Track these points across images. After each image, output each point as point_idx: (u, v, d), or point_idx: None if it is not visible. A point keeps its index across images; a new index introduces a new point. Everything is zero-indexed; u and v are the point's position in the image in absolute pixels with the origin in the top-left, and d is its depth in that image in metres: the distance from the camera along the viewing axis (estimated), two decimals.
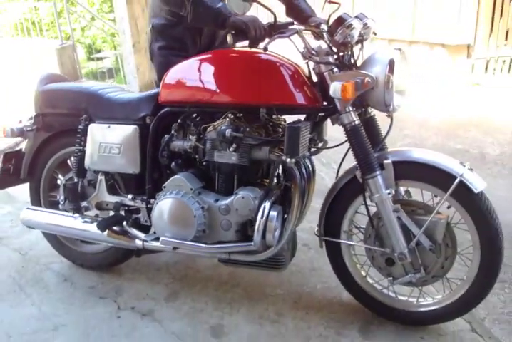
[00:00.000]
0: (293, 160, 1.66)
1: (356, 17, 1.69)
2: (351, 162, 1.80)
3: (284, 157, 1.67)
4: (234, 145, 1.72)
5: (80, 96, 2.11)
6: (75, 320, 2.01)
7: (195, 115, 1.88)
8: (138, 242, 1.97)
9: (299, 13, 2.06)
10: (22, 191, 2.77)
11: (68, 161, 2.26)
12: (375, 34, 1.80)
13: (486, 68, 4.64)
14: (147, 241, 1.94)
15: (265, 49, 1.62)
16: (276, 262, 1.85)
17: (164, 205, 1.81)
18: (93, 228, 2.04)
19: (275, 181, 1.82)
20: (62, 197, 2.24)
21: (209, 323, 1.95)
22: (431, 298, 1.87)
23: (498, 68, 4.71)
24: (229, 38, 1.64)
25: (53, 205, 2.33)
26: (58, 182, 2.29)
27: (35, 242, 2.58)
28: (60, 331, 1.96)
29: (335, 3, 1.84)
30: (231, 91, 1.76)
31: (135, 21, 4.75)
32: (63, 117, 2.17)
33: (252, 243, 1.74)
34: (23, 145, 2.40)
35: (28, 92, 2.46)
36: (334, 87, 1.59)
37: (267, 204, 1.72)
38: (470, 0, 4.25)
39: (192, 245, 1.82)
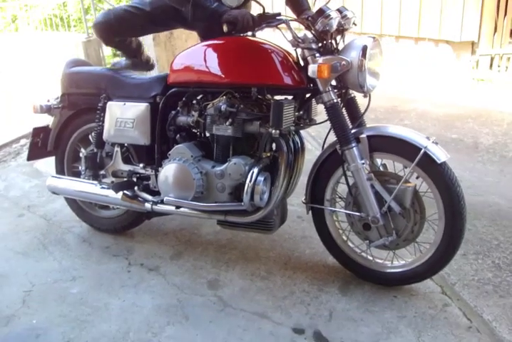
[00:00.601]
0: (277, 132, 1.91)
1: (337, 10, 1.91)
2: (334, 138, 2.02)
3: (270, 129, 1.92)
4: (229, 120, 1.97)
5: (100, 78, 2.39)
6: (91, 273, 2.29)
7: (197, 94, 2.13)
8: (148, 205, 2.23)
9: (297, 5, 2.26)
10: (48, 167, 3.09)
11: (90, 136, 2.52)
12: (355, 25, 2.03)
13: (491, 65, 4.79)
14: (155, 203, 2.20)
15: (253, 35, 1.93)
16: (266, 225, 2.10)
17: (168, 170, 2.08)
18: (109, 193, 2.33)
19: (266, 152, 2.05)
20: (83, 167, 2.51)
21: (207, 278, 2.21)
22: (403, 260, 2.06)
23: (503, 64, 4.85)
24: (225, 28, 1.90)
25: (76, 175, 2.61)
26: (80, 154, 2.55)
27: (58, 210, 2.87)
28: (77, 281, 2.25)
29: None
30: (227, 73, 2.00)
31: None
32: (86, 96, 2.44)
33: (242, 203, 1.98)
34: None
35: (56, 77, 2.76)
36: (312, 68, 1.84)
37: (255, 170, 1.96)
38: None
39: (191, 203, 2.08)
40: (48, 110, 2.54)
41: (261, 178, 1.97)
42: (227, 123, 1.99)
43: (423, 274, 2.03)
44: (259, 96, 2.00)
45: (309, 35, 1.91)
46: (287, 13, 2.17)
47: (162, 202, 2.18)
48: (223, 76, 2.00)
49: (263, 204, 2.00)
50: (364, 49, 1.86)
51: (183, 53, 2.13)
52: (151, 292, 2.13)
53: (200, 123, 2.11)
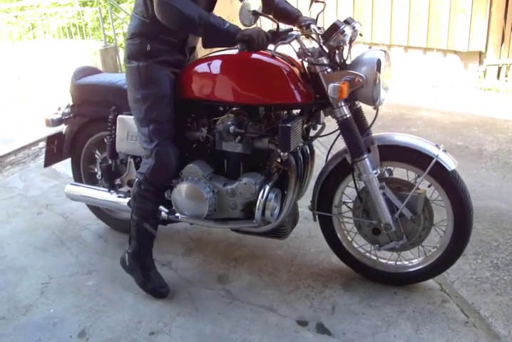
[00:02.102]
0: (286, 154, 1.96)
1: (345, 21, 1.90)
2: (340, 143, 2.04)
3: (278, 150, 1.96)
4: (238, 137, 1.99)
5: (108, 90, 2.37)
6: (106, 268, 2.41)
7: (206, 109, 2.10)
8: (164, 215, 2.25)
9: (288, 16, 2.21)
10: (66, 168, 3.22)
11: (105, 139, 2.49)
12: (361, 35, 2.04)
13: (498, 75, 4.88)
14: (170, 212, 2.25)
15: (273, 55, 1.87)
16: (278, 232, 2.15)
17: (181, 189, 2.10)
18: (125, 202, 2.37)
19: (276, 166, 2.09)
20: (99, 173, 2.55)
21: (216, 273, 2.32)
22: (407, 261, 2.15)
23: (510, 74, 4.94)
24: (239, 47, 1.80)
25: (92, 176, 2.68)
26: (96, 156, 2.61)
27: (76, 209, 2.99)
28: (93, 275, 2.37)
29: (321, 2, 2.06)
30: (233, 93, 1.97)
31: None
32: (96, 108, 2.44)
33: (254, 220, 2.03)
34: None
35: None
36: (332, 89, 1.79)
37: (266, 187, 1.99)
38: (482, 9, 4.51)
39: (204, 223, 2.17)
40: (59, 122, 2.56)
41: (272, 195, 2.00)
42: (236, 140, 2.00)
43: (426, 275, 2.12)
44: (266, 112, 2.03)
45: (317, 47, 1.90)
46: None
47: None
48: (229, 96, 1.99)
49: (274, 219, 2.04)
50: (379, 63, 1.84)
51: (189, 68, 2.09)
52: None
53: (209, 139, 2.11)
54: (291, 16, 2.19)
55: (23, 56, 7.10)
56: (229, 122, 2.00)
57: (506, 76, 4.92)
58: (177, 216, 2.22)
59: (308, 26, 2.10)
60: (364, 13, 5.13)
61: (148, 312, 2.08)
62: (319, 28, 2.07)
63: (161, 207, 2.27)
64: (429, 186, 2.01)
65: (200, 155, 2.17)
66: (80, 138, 2.61)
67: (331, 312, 2.03)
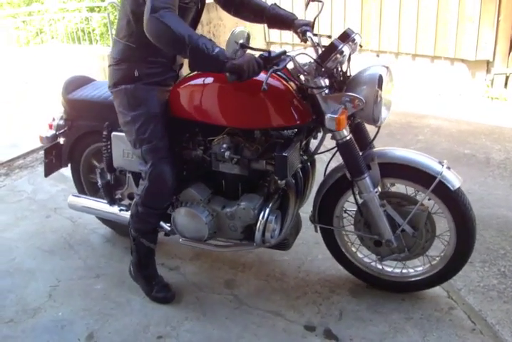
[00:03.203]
0: (283, 182, 1.93)
1: (344, 32, 1.80)
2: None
3: (276, 178, 1.91)
4: (235, 159, 1.94)
5: (100, 107, 2.29)
6: (114, 271, 2.42)
7: (200, 129, 2.05)
8: (167, 228, 2.26)
9: (282, 22, 2.10)
10: None
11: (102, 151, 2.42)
12: (361, 47, 1.91)
13: (506, 84, 4.88)
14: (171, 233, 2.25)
15: (264, 89, 1.63)
16: (281, 245, 2.13)
17: (180, 214, 2.09)
18: (127, 214, 2.35)
19: (275, 186, 2.02)
20: (100, 182, 2.48)
21: (224, 277, 2.33)
22: (412, 270, 2.14)
23: None
24: (228, 77, 1.71)
25: (93, 185, 2.65)
26: (95, 165, 2.58)
27: (83, 213, 3.00)
28: (101, 278, 2.38)
29: (318, 1, 1.96)
30: (228, 117, 1.90)
31: None
32: (90, 122, 2.40)
33: (254, 243, 2.00)
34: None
35: None
36: (329, 121, 1.72)
37: (266, 210, 1.95)
38: (490, 18, 4.52)
39: (205, 246, 2.15)
40: (53, 138, 2.52)
41: (272, 217, 1.96)
42: (233, 162, 1.95)
43: (432, 283, 2.12)
44: (262, 133, 1.97)
45: (313, 63, 1.78)
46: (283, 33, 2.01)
47: None
48: (224, 120, 1.91)
49: (274, 240, 2.01)
50: (380, 79, 1.75)
51: (182, 85, 2.00)
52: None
53: (205, 159, 2.06)
54: (285, 21, 2.09)
55: (31, 61, 7.15)
56: (224, 145, 1.94)
57: None
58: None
59: (304, 33, 1.99)
60: (371, 21, 5.15)
61: (156, 316, 2.09)
62: (315, 35, 1.97)
63: (162, 224, 2.26)
64: (429, 199, 1.96)
65: (197, 175, 2.12)
66: (77, 149, 2.58)
67: (339, 318, 2.03)
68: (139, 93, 1.98)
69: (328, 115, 1.73)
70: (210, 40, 1.70)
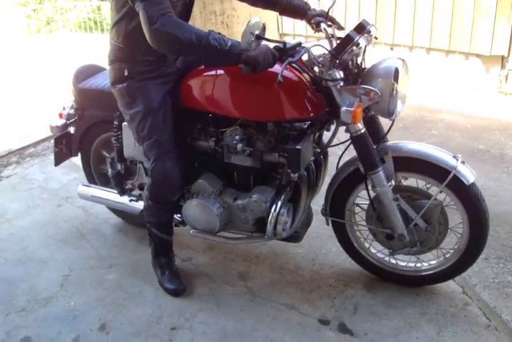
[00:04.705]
0: (296, 175, 1.90)
1: (360, 24, 1.77)
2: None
3: (288, 170, 1.87)
4: (247, 151, 1.92)
5: (111, 96, 2.18)
6: (127, 261, 2.42)
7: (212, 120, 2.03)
8: (177, 218, 2.25)
9: (295, 11, 2.07)
10: None
11: (112, 140, 2.41)
12: (376, 38, 1.86)
13: None
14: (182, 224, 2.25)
15: (279, 82, 1.62)
16: (292, 238, 2.11)
17: (191, 206, 2.07)
18: (136, 205, 2.36)
19: (287, 178, 1.98)
20: (110, 171, 2.46)
21: (237, 269, 2.32)
22: (426, 263, 2.12)
23: None
24: (243, 69, 1.69)
25: (104, 175, 2.62)
26: (105, 155, 2.56)
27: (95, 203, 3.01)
28: (114, 268, 2.37)
29: None
30: (241, 110, 1.88)
31: (192, 22, 5.19)
32: (100, 112, 2.37)
33: (266, 236, 1.98)
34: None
35: None
36: (344, 114, 1.71)
37: (278, 203, 1.93)
38: (506, 12, 4.45)
39: (216, 239, 2.13)
40: (64, 127, 2.50)
41: (284, 210, 1.94)
42: (245, 154, 1.94)
43: (446, 276, 2.11)
44: (276, 125, 1.95)
45: (327, 54, 1.75)
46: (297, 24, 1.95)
47: None
48: (237, 112, 1.89)
49: (285, 233, 1.99)
50: (396, 72, 1.72)
51: (196, 75, 1.98)
52: (184, 281, 2.22)
53: (217, 151, 2.03)
54: (298, 11, 2.06)
55: (41, 51, 7.14)
56: (236, 137, 1.93)
57: None
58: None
59: (318, 25, 1.97)
60: (386, 13, 5.08)
61: (169, 307, 2.09)
62: (329, 25, 1.95)
63: (175, 216, 2.24)
64: (440, 191, 1.93)
65: (208, 166, 2.09)
66: (87, 139, 2.57)
67: (354, 312, 2.02)
68: (132, 91, 1.97)
69: (343, 108, 1.72)
70: (219, 33, 1.67)
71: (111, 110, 2.23)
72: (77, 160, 3.39)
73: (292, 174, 1.91)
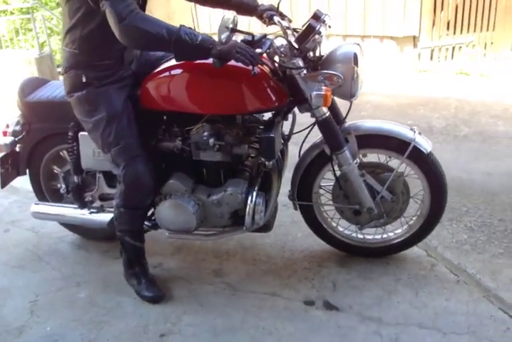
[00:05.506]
0: (271, 163, 1.95)
1: (314, 14, 1.84)
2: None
3: (262, 159, 1.93)
4: (216, 146, 1.93)
5: (62, 107, 2.12)
6: (95, 277, 2.34)
7: (176, 119, 2.02)
8: (148, 224, 2.21)
9: (245, 9, 2.11)
10: (23, 183, 3.04)
11: (61, 153, 2.40)
12: (330, 27, 1.91)
13: (431, 57, 5.17)
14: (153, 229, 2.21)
15: (254, 74, 1.70)
16: (264, 227, 2.12)
17: (164, 208, 2.04)
18: (100, 217, 2.27)
19: (257, 168, 2.04)
20: (63, 187, 2.40)
21: (211, 268, 2.32)
22: (392, 233, 2.24)
23: (442, 55, 5.26)
24: (215, 63, 1.71)
25: (55, 192, 2.53)
26: (56, 171, 2.45)
27: (45, 222, 2.84)
28: (83, 286, 2.28)
29: None
30: (204, 105, 1.89)
31: None
32: (51, 124, 2.27)
33: (244, 227, 2.00)
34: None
35: (11, 98, 2.56)
36: (315, 97, 1.74)
37: (253, 194, 1.95)
38: None
39: (194, 237, 2.14)
40: (13, 145, 2.37)
41: (260, 200, 1.96)
42: (215, 149, 1.94)
43: (411, 242, 2.23)
44: (243, 118, 1.98)
45: (287, 44, 1.81)
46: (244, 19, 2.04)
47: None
48: (203, 108, 1.91)
49: (262, 222, 2.00)
50: (355, 57, 1.81)
51: (155, 76, 1.95)
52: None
53: (184, 149, 2.02)
54: (248, 8, 2.12)
55: None
56: (205, 134, 1.93)
57: (439, 57, 5.22)
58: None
59: (271, 18, 2.01)
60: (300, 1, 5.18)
61: (152, 315, 2.05)
62: (282, 18, 2.01)
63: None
64: (402, 163, 2.05)
65: (176, 166, 2.08)
66: (36, 155, 2.45)
67: (334, 289, 2.09)
68: (92, 98, 1.93)
69: (314, 93, 1.76)
70: (190, 28, 1.69)
71: (63, 122, 2.15)
72: (14, 182, 3.22)
73: (267, 163, 1.95)
